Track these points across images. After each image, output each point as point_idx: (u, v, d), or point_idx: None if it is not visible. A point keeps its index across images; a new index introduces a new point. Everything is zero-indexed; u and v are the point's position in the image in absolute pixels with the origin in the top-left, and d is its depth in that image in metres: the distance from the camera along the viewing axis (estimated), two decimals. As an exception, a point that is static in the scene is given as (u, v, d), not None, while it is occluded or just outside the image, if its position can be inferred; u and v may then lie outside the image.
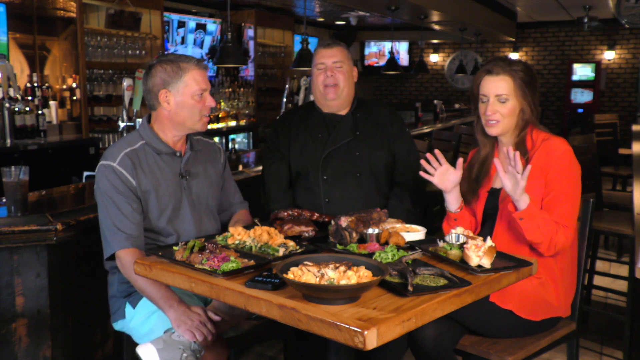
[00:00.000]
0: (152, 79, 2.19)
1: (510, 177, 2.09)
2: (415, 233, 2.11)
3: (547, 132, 2.30)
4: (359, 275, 1.59)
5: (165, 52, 6.43)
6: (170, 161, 2.25)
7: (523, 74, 2.24)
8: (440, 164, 2.24)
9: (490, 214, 2.31)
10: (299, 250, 1.95)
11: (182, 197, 2.25)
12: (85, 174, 3.48)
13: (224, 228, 2.40)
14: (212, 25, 7.76)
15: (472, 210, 2.38)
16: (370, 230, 2.02)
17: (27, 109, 4.69)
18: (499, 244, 2.17)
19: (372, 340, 1.40)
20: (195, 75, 2.19)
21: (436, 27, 9.68)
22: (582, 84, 11.42)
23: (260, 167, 2.96)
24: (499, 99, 2.24)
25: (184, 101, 2.18)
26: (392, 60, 8.23)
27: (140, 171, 2.17)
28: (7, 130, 4.49)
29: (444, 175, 2.25)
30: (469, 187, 2.35)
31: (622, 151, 6.31)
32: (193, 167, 2.30)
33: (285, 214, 2.25)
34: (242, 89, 8.01)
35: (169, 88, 2.18)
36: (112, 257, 2.14)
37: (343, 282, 1.56)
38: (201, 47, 7.65)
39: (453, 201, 2.30)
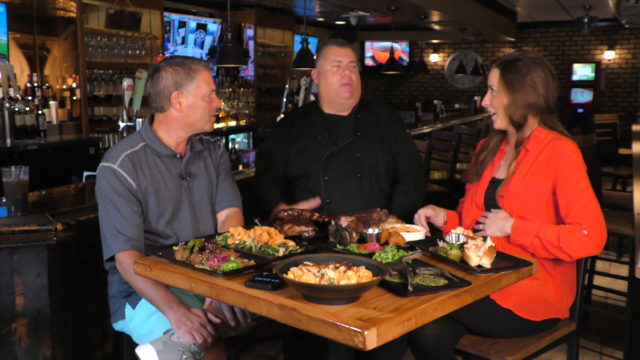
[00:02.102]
0: (163, 81, 2.18)
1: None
2: (415, 233, 2.12)
3: (557, 131, 2.25)
4: (359, 275, 1.59)
5: (166, 52, 6.44)
6: (170, 163, 2.25)
7: (515, 69, 2.20)
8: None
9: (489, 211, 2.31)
10: (299, 250, 1.94)
11: (182, 199, 2.25)
12: (85, 174, 3.48)
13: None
14: (213, 26, 7.76)
15: (471, 196, 2.37)
16: (370, 230, 2.01)
17: (27, 109, 4.69)
18: (498, 240, 2.17)
19: (372, 340, 1.40)
20: (205, 76, 2.21)
21: (436, 27, 9.68)
22: (582, 84, 11.41)
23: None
24: (492, 91, 2.27)
25: (195, 102, 2.19)
26: (392, 60, 8.24)
27: (140, 173, 2.17)
28: (7, 130, 4.49)
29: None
30: (474, 169, 2.39)
31: (622, 151, 6.31)
32: (193, 168, 2.30)
33: (285, 214, 2.25)
34: (242, 89, 8.01)
35: (181, 90, 2.18)
36: (112, 259, 2.14)
37: (343, 282, 1.56)
38: (201, 48, 7.65)
39: (438, 222, 2.40)
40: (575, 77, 11.48)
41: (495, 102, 2.26)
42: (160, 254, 1.92)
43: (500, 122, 2.28)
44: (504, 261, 1.89)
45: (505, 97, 2.23)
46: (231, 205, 2.39)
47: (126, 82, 3.65)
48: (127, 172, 2.14)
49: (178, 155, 2.26)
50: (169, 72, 2.17)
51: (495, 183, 2.31)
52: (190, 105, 2.19)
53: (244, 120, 7.95)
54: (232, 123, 7.72)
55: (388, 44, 11.90)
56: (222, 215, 2.38)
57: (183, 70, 2.17)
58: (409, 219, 2.37)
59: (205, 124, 2.24)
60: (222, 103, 7.57)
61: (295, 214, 2.25)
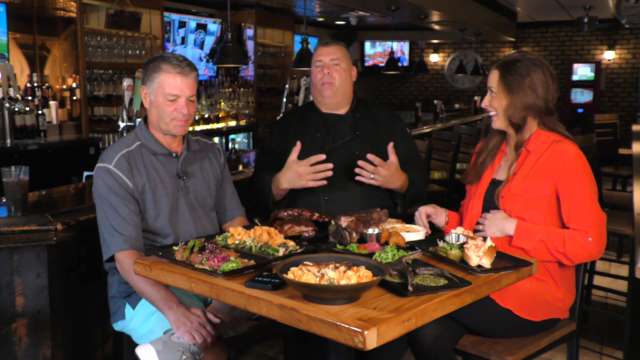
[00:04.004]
0: (142, 73, 2.24)
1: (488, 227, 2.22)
2: (415, 233, 2.11)
3: (558, 132, 2.24)
4: (359, 275, 1.59)
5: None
6: (166, 162, 2.25)
7: (514, 70, 2.20)
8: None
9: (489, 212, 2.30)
10: (299, 250, 1.94)
11: (179, 198, 2.25)
12: (85, 174, 3.48)
13: (220, 230, 2.41)
14: (213, 26, 7.76)
15: (471, 197, 2.37)
16: (370, 230, 2.01)
17: (27, 109, 4.69)
18: (499, 241, 2.17)
19: (372, 340, 1.40)
20: (169, 78, 2.16)
21: (436, 27, 9.68)
22: (582, 84, 11.41)
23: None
24: (491, 92, 2.27)
25: (156, 100, 2.19)
26: (392, 60, 8.24)
27: (136, 172, 2.17)
28: (7, 130, 4.49)
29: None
30: (474, 171, 2.39)
31: (622, 151, 6.31)
32: (190, 167, 2.30)
33: (285, 214, 2.25)
34: (242, 89, 8.01)
35: (147, 85, 2.21)
36: (111, 259, 2.14)
37: (343, 282, 1.56)
38: (201, 48, 7.64)
39: (439, 221, 2.41)
40: (575, 77, 11.48)
41: (495, 103, 2.26)
42: (160, 254, 1.92)
43: (499, 122, 2.28)
44: (504, 261, 1.89)
45: (504, 99, 2.23)
46: (241, 214, 2.46)
47: (126, 82, 3.65)
48: (122, 172, 2.15)
49: (174, 154, 2.26)
50: (147, 66, 2.22)
51: (495, 184, 2.31)
52: (152, 102, 2.21)
53: (244, 120, 7.95)
54: (232, 123, 7.72)
55: (388, 43, 11.91)
56: (228, 225, 2.42)
57: (153, 66, 2.20)
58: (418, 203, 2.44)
59: (167, 125, 2.20)
60: (222, 103, 7.57)
61: (295, 214, 2.25)
